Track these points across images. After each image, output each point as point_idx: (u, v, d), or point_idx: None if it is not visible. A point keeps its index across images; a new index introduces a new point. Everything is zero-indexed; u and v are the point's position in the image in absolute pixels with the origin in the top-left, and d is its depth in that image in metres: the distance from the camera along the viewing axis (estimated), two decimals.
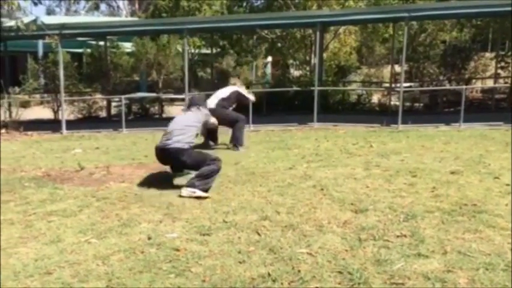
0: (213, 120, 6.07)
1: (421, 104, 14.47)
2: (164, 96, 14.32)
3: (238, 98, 7.80)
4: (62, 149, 8.00)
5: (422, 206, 4.09)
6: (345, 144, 7.62)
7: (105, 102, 14.29)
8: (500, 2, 9.66)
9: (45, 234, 3.65)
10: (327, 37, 15.72)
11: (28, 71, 14.64)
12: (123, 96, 12.29)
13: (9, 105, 11.69)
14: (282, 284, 2.73)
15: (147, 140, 9.00)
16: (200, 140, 7.49)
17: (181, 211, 4.13)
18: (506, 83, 14.62)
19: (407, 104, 13.68)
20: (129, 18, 26.14)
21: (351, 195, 4.51)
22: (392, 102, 13.41)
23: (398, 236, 3.40)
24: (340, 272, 2.85)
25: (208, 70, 17.54)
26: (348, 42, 17.73)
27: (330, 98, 13.89)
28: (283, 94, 13.48)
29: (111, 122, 12.56)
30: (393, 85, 13.64)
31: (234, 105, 7.80)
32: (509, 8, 9.36)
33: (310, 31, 14.72)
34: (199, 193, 4.53)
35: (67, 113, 12.73)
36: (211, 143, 7.70)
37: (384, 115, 11.37)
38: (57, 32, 10.69)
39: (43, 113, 13.94)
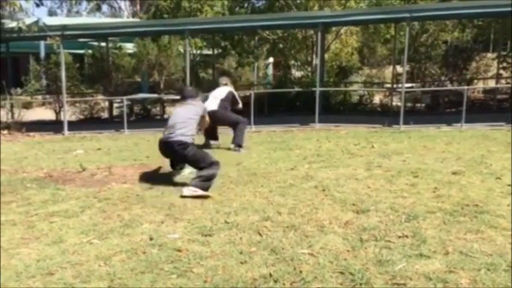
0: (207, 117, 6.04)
1: (423, 105, 14.46)
2: (166, 97, 14.32)
3: (232, 99, 7.79)
4: (64, 150, 8.02)
5: (424, 207, 4.09)
6: (347, 144, 7.62)
7: (106, 103, 14.32)
8: (501, 2, 9.64)
9: (47, 235, 3.65)
10: (329, 38, 15.72)
11: (30, 72, 14.68)
12: (124, 97, 12.30)
13: (12, 106, 11.73)
14: (283, 284, 2.73)
15: (148, 140, 9.01)
16: (201, 140, 7.50)
17: (183, 212, 4.14)
18: (508, 83, 14.62)
19: (409, 104, 13.68)
20: (131, 19, 26.17)
21: (352, 195, 4.51)
22: (394, 103, 13.40)
23: (400, 237, 3.40)
24: (341, 273, 2.85)
25: (210, 71, 17.54)
26: (350, 42, 17.70)
27: (332, 98, 13.89)
28: (285, 95, 13.48)
29: (112, 123, 12.57)
30: (395, 86, 13.63)
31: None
32: (510, 9, 9.35)
33: (311, 32, 14.71)
34: (200, 192, 4.55)
35: (69, 114, 12.77)
36: (211, 142, 7.73)
37: (385, 116, 11.37)
38: (58, 33, 10.71)
39: (45, 114, 13.98)
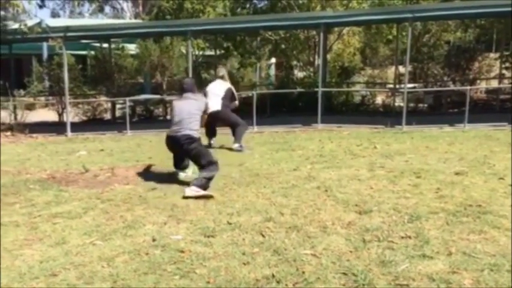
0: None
1: (425, 105, 14.44)
2: (168, 98, 14.33)
3: (231, 96, 7.72)
4: (67, 151, 8.03)
5: (426, 207, 4.09)
6: (349, 145, 7.62)
7: (109, 105, 14.33)
8: (503, 2, 9.62)
9: (50, 236, 3.66)
10: (331, 38, 15.70)
11: (33, 74, 14.71)
12: (127, 98, 12.32)
13: (15, 107, 11.75)
14: (286, 285, 2.73)
15: (151, 141, 9.03)
16: (203, 141, 7.50)
17: (186, 213, 4.14)
18: (510, 83, 14.57)
19: (412, 104, 13.66)
20: (133, 21, 26.20)
21: (355, 196, 4.51)
22: (396, 103, 13.38)
23: (402, 237, 3.39)
24: (344, 273, 2.85)
25: (212, 72, 17.54)
26: (352, 43, 17.70)
27: (334, 99, 13.87)
28: (287, 95, 13.48)
29: (115, 124, 12.58)
30: (397, 86, 13.61)
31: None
32: (510, 8, 9.33)
33: (313, 32, 14.72)
34: (203, 192, 4.57)
35: (72, 115, 12.80)
36: (212, 142, 7.74)
37: (388, 116, 11.34)
38: (61, 34, 10.74)
39: (48, 115, 14.01)
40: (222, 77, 7.85)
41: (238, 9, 16.59)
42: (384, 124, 10.15)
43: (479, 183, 4.88)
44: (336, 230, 3.60)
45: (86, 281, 2.85)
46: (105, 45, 14.75)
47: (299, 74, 17.75)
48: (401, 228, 3.58)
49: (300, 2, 14.85)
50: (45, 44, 16.77)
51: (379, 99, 15.39)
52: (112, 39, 14.22)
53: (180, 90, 5.56)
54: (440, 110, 13.67)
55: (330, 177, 5.34)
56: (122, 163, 6.65)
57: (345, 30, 16.32)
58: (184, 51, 14.83)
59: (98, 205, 4.48)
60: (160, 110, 14.91)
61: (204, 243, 3.39)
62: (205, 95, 7.19)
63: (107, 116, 14.59)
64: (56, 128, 11.81)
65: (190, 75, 11.29)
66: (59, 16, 36.59)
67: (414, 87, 13.93)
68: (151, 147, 8.19)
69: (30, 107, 12.85)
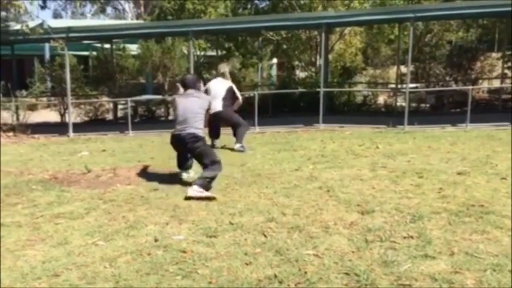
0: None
1: (428, 105, 14.43)
2: (170, 98, 14.34)
3: (232, 95, 7.62)
4: (69, 152, 8.04)
5: (429, 207, 4.08)
6: (351, 145, 7.61)
7: (111, 105, 14.36)
8: (504, 2, 9.60)
9: (53, 236, 3.67)
10: (332, 38, 15.70)
11: (35, 74, 14.74)
12: (129, 99, 12.34)
13: (17, 108, 11.77)
14: (288, 285, 2.73)
15: (153, 142, 9.04)
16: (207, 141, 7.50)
17: (188, 213, 4.14)
18: None
19: (414, 104, 13.64)
20: (135, 21, 26.24)
21: (357, 196, 4.50)
22: (398, 103, 13.37)
23: (405, 237, 3.39)
24: (346, 274, 2.84)
25: (214, 72, 17.56)
26: (354, 43, 17.71)
27: (336, 99, 13.87)
28: (289, 96, 13.48)
29: (117, 125, 12.60)
30: (399, 86, 13.61)
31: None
32: (510, 8, 9.31)
33: (315, 32, 14.71)
34: (206, 193, 4.55)
35: (74, 115, 12.81)
36: (215, 142, 7.72)
37: (390, 116, 11.33)
38: (63, 35, 10.76)
39: (50, 116, 14.03)
40: (223, 75, 7.73)
41: (240, 10, 16.61)
42: (385, 124, 10.14)
43: (482, 183, 4.87)
44: (338, 230, 3.60)
45: (88, 282, 2.85)
46: (107, 45, 14.77)
47: (301, 74, 17.76)
48: (403, 228, 3.57)
49: (302, 2, 14.86)
50: (47, 45, 16.85)
51: (381, 99, 15.38)
52: (114, 40, 14.24)
53: (182, 87, 5.48)
54: (442, 109, 13.65)
55: (332, 177, 5.33)
56: (124, 163, 6.66)
57: (347, 30, 16.32)
58: (185, 51, 14.85)
59: (100, 205, 4.48)
60: (162, 110, 14.92)
61: (206, 244, 3.39)
62: (206, 92, 7.10)
63: (109, 116, 14.61)
64: (58, 128, 11.84)
65: None
66: (61, 17, 36.69)
67: (416, 87, 13.92)
68: (153, 148, 8.20)
69: (32, 108, 12.89)
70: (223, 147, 7.59)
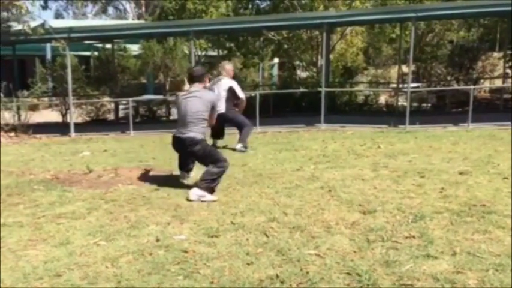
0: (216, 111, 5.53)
1: (429, 105, 14.42)
2: (171, 98, 14.36)
3: (233, 94, 7.48)
4: (71, 152, 8.05)
5: (430, 207, 4.07)
6: (353, 145, 7.60)
7: (112, 105, 14.38)
8: (505, 1, 9.59)
9: (54, 236, 3.67)
10: (334, 38, 15.70)
11: (36, 75, 14.76)
12: (130, 99, 12.36)
13: (18, 108, 11.78)
14: (290, 285, 2.72)
15: (154, 142, 9.04)
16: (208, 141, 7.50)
17: (189, 213, 4.14)
18: None
19: (415, 104, 13.64)
20: (136, 21, 26.26)
21: (358, 196, 4.50)
22: (399, 103, 13.37)
23: (407, 237, 3.38)
24: (348, 274, 2.84)
25: (215, 72, 17.58)
26: (355, 43, 17.69)
27: (337, 99, 13.87)
28: (290, 95, 13.48)
29: (118, 125, 12.61)
30: (400, 85, 13.60)
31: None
32: (510, 8, 9.30)
33: (316, 32, 14.71)
34: (208, 197, 4.51)
35: (75, 116, 12.83)
36: (216, 142, 7.70)
37: (391, 116, 11.33)
38: (64, 35, 10.77)
39: (51, 116, 14.06)
40: (224, 74, 7.56)
41: (241, 10, 16.61)
42: (387, 124, 10.13)
43: (484, 183, 4.86)
44: (339, 230, 3.59)
45: (89, 282, 2.85)
46: (108, 46, 14.79)
47: (302, 74, 17.75)
48: (405, 228, 3.57)
49: (303, 2, 14.87)
50: (48, 45, 16.88)
51: (382, 99, 15.39)
52: (115, 40, 14.25)
53: (189, 80, 5.20)
54: (443, 109, 13.65)
55: (334, 177, 5.33)
56: (126, 164, 6.66)
57: (348, 30, 16.31)
58: (187, 51, 14.86)
59: (101, 205, 4.48)
60: (164, 110, 14.93)
61: (207, 244, 3.39)
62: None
63: (110, 116, 14.63)
64: (60, 128, 11.86)
65: None
66: (62, 17, 36.74)
67: (417, 87, 13.92)
68: (154, 148, 8.20)
69: (33, 108, 12.91)
70: (224, 147, 7.59)
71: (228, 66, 7.84)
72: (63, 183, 5.46)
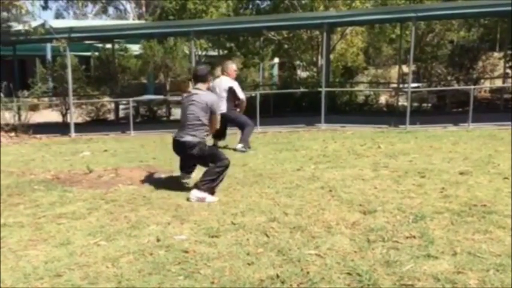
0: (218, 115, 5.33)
1: (429, 105, 14.42)
2: (171, 98, 14.37)
3: (233, 95, 7.44)
4: (71, 152, 8.05)
5: (431, 207, 4.07)
6: (353, 145, 7.60)
7: (113, 105, 14.38)
8: (505, 1, 9.59)
9: (55, 236, 3.67)
10: (334, 38, 15.70)
11: (37, 75, 14.76)
12: (130, 99, 12.36)
13: (19, 108, 11.78)
14: (291, 285, 2.72)
15: (155, 142, 9.04)
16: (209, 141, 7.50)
17: (190, 213, 4.14)
18: None
19: (415, 104, 13.63)
20: (137, 21, 26.26)
21: (359, 196, 4.50)
22: (400, 103, 13.37)
23: (407, 237, 3.38)
24: (349, 274, 2.84)
25: (215, 72, 17.58)
26: (355, 43, 17.69)
27: (337, 99, 13.87)
28: (291, 95, 13.48)
29: (119, 125, 12.61)
30: (401, 85, 13.60)
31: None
32: (510, 8, 9.30)
33: (317, 32, 14.71)
34: (209, 199, 4.50)
35: (75, 116, 12.83)
36: (219, 142, 7.69)
37: (391, 116, 11.32)
38: (65, 35, 10.78)
39: (52, 116, 14.05)
40: (224, 73, 7.50)
41: (241, 10, 16.62)
42: (387, 124, 10.13)
43: (484, 182, 4.86)
44: (340, 230, 3.59)
45: (90, 282, 2.85)
46: (109, 45, 14.79)
47: (302, 74, 17.76)
48: (406, 228, 3.57)
49: (303, 2, 14.87)
50: (49, 45, 16.88)
51: (382, 99, 15.38)
52: (115, 40, 14.25)
53: (194, 79, 5.15)
54: (444, 109, 13.65)
55: (334, 177, 5.33)
56: (126, 164, 6.66)
57: (348, 30, 16.31)
58: (187, 51, 14.86)
59: (102, 206, 4.48)
60: (164, 110, 14.93)
61: (208, 244, 3.39)
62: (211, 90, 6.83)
63: (111, 116, 14.63)
64: (60, 128, 11.86)
65: None
66: (63, 17, 36.75)
67: (418, 87, 13.90)
68: (155, 148, 8.20)
69: (34, 108, 12.91)
70: (225, 147, 7.58)
71: (231, 66, 7.76)
72: (64, 184, 5.46)
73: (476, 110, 10.44)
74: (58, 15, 37.83)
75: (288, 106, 13.35)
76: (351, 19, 11.79)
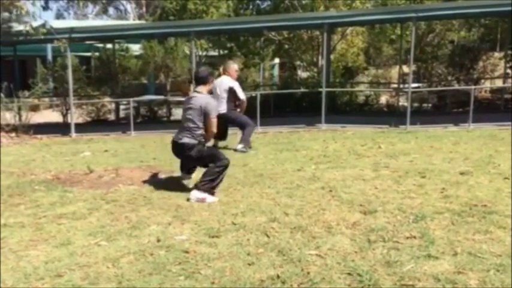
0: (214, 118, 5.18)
1: (430, 105, 14.41)
2: (172, 98, 14.38)
3: (234, 95, 7.43)
4: (71, 152, 8.05)
5: (431, 207, 4.07)
6: (353, 145, 7.60)
7: (113, 105, 14.38)
8: (505, 1, 9.58)
9: (55, 237, 3.67)
10: (334, 38, 15.69)
11: (37, 75, 14.77)
12: (131, 99, 12.36)
13: (19, 109, 11.78)
14: (291, 285, 2.72)
15: (155, 142, 9.04)
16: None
17: (190, 213, 4.14)
18: None
19: (416, 104, 13.64)
20: (137, 22, 26.27)
21: (359, 196, 4.50)
22: (400, 103, 13.37)
23: (407, 238, 3.38)
24: (349, 274, 2.84)
25: (216, 72, 17.58)
26: (355, 43, 17.68)
27: (338, 99, 13.87)
28: (291, 96, 13.48)
29: (119, 125, 12.61)
30: (401, 86, 13.60)
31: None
32: (510, 8, 9.30)
33: (317, 32, 14.71)
34: (209, 199, 4.50)
35: (76, 116, 12.83)
36: (219, 143, 7.67)
37: (392, 116, 11.32)
38: (66, 36, 10.78)
39: (52, 116, 14.06)
40: (225, 73, 7.48)
41: (242, 10, 16.61)
42: (388, 124, 10.12)
43: (485, 183, 4.86)
44: (340, 230, 3.59)
45: (91, 282, 2.85)
46: (109, 46, 14.79)
47: (302, 74, 17.75)
48: (406, 229, 3.57)
49: (303, 2, 14.86)
50: (49, 46, 16.89)
51: (383, 99, 15.38)
52: (116, 40, 14.25)
53: (195, 81, 5.20)
54: (444, 109, 13.64)
55: (335, 177, 5.33)
56: (126, 164, 6.66)
57: (349, 30, 16.30)
58: (188, 52, 14.86)
59: (102, 206, 4.49)
60: (164, 110, 14.94)
61: (208, 244, 3.39)
62: (211, 93, 6.83)
63: (111, 116, 14.63)
64: (60, 129, 11.86)
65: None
66: (63, 18, 36.78)
67: (418, 87, 13.90)
68: (155, 148, 8.20)
69: (34, 108, 12.91)
70: (225, 148, 7.58)
71: (233, 66, 7.73)
72: (64, 184, 5.46)
73: (477, 110, 10.44)
74: (58, 16, 37.85)
75: (289, 106, 13.34)
76: (351, 19, 11.79)
